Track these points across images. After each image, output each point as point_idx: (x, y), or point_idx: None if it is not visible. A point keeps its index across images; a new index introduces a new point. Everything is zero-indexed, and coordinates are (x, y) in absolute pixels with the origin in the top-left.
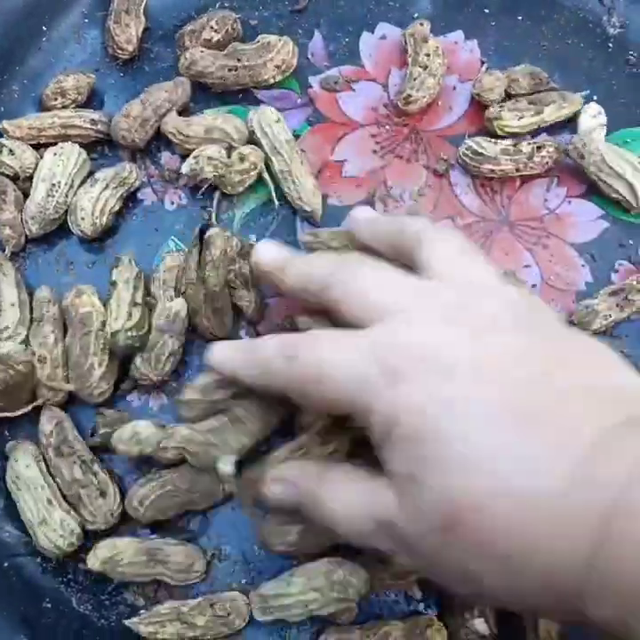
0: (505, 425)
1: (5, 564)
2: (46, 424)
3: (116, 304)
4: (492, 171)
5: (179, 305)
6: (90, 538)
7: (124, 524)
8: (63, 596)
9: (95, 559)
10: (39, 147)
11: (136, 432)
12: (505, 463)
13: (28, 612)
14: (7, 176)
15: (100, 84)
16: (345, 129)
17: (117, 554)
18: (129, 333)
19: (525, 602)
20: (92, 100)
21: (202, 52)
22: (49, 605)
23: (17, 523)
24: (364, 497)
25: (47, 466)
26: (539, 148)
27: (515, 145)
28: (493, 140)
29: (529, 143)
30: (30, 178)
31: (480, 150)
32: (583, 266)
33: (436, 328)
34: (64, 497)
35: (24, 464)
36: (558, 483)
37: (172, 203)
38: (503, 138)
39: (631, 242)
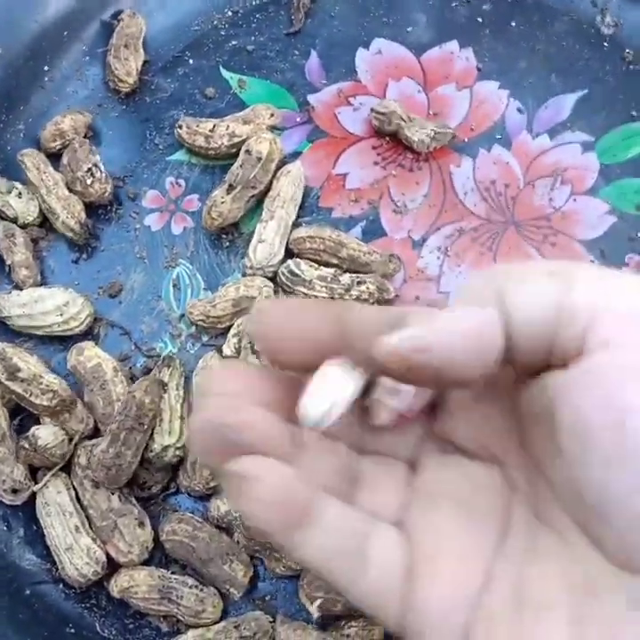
0: None
1: (27, 592)
2: (83, 457)
3: (168, 416)
4: (306, 295)
5: None
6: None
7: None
8: (86, 620)
9: (115, 586)
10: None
11: None
12: None
13: (51, 638)
14: (8, 218)
15: (103, 118)
16: (346, 143)
17: (133, 586)
18: (177, 451)
19: None
20: (94, 136)
21: None
22: (73, 631)
23: (38, 550)
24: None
25: (77, 496)
26: (359, 282)
27: (334, 275)
28: (315, 265)
29: (350, 276)
30: (26, 225)
31: (297, 272)
32: (593, 262)
33: None
34: (94, 529)
35: (56, 490)
36: None
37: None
38: (328, 265)
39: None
